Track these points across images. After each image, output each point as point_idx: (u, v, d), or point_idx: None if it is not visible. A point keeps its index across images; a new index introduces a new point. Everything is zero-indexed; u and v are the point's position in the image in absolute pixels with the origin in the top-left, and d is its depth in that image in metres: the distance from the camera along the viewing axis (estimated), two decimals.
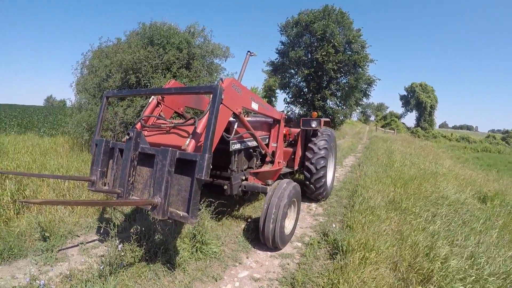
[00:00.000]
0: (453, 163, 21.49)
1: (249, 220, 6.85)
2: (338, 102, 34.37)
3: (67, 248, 5.21)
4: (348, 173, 13.31)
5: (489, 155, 52.37)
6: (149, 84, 11.41)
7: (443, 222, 6.81)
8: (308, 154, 7.95)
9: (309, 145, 8.09)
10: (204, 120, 4.11)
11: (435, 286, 4.37)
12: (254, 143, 6.11)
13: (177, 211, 3.43)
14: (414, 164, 15.18)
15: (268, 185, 5.73)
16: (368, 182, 9.76)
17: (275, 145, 6.93)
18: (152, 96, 5.20)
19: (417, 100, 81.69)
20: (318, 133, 8.29)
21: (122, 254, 4.63)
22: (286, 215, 5.47)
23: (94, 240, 5.53)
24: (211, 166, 3.33)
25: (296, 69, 34.21)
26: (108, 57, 12.27)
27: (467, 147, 61.92)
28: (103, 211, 6.53)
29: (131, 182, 3.76)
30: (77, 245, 5.29)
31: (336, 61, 30.61)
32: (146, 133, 4.81)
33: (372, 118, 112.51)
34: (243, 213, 7.27)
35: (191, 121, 4.48)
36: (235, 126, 5.18)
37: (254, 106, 5.29)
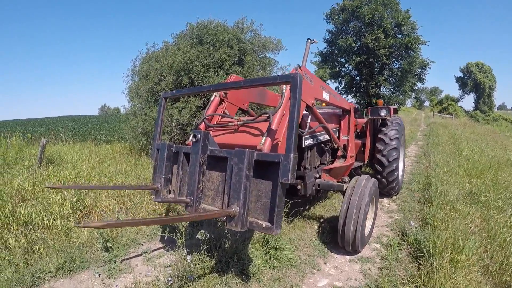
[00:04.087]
0: None
1: (321, 220, 6.40)
2: (392, 89, 33.29)
3: (130, 258, 4.94)
4: (414, 163, 12.59)
5: None
6: (202, 84, 11.18)
7: None
8: (379, 146, 7.40)
9: (379, 135, 7.53)
10: (278, 115, 3.67)
11: None
12: (326, 137, 5.64)
13: (258, 221, 3.01)
14: (484, 151, 14.27)
15: (344, 182, 5.24)
16: (441, 173, 9.10)
17: (346, 138, 6.43)
18: (214, 93, 4.80)
19: (475, 82, 76.62)
20: (388, 122, 7.69)
21: (192, 266, 4.25)
22: (367, 215, 4.97)
23: (158, 248, 5.24)
24: (296, 168, 2.89)
25: (346, 57, 33.30)
26: (158, 60, 12.19)
27: None
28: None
29: (200, 189, 3.37)
30: (141, 254, 5.00)
31: (387, 45, 29.56)
32: (211, 133, 4.37)
33: (427, 103, 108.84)
34: (315, 213, 6.79)
35: (263, 117, 4.00)
36: (308, 120, 4.76)
37: (326, 96, 4.80)
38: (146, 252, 5.02)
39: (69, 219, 5.78)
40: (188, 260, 4.25)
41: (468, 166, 10.28)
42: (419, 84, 35.25)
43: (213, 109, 4.71)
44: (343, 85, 34.98)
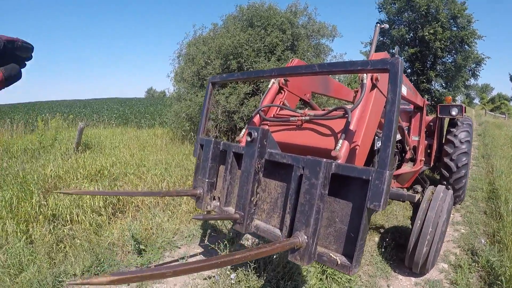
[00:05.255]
0: None
1: (381, 230, 5.77)
2: (443, 84, 31.74)
3: (165, 263, 4.39)
4: (473, 167, 11.63)
5: None
6: (252, 69, 10.61)
7: None
8: (448, 149, 6.63)
9: (448, 137, 6.76)
10: (358, 111, 2.91)
11: None
12: (397, 137, 4.90)
13: (330, 253, 2.26)
14: None
15: (417, 192, 4.50)
16: (508, 182, 8.26)
17: (416, 138, 5.69)
18: (273, 80, 3.98)
19: None
20: (458, 122, 6.88)
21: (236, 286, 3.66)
22: (445, 235, 4.23)
23: (198, 254, 4.68)
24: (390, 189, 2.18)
25: (398, 49, 31.84)
26: (205, 43, 11.72)
27: None
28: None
29: (254, 202, 2.67)
30: (177, 260, 4.45)
31: (444, 39, 28.19)
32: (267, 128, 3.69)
33: (477, 100, 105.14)
34: (374, 221, 6.13)
35: (338, 112, 3.08)
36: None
37: (404, 90, 4.01)
38: (183, 258, 4.48)
39: (101, 213, 5.31)
40: (232, 280, 3.66)
41: None
42: (472, 80, 33.56)
43: (270, 98, 3.91)
44: None
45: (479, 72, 31.73)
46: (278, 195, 2.62)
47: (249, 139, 2.57)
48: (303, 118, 3.34)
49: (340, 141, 2.68)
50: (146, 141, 11.73)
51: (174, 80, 13.23)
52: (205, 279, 3.97)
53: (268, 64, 10.50)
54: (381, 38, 32.73)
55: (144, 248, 4.52)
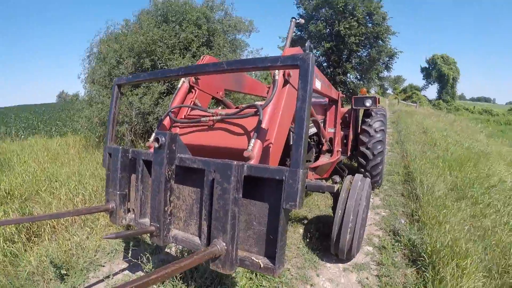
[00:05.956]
0: (486, 138, 20.79)
1: (305, 221, 5.82)
2: (358, 76, 33.32)
3: (90, 286, 4.08)
4: (388, 152, 12.26)
5: None
6: (166, 67, 10.21)
7: None
8: (363, 138, 6.86)
9: (363, 127, 6.99)
10: (270, 109, 2.83)
11: None
12: (312, 130, 4.95)
13: (251, 257, 2.19)
14: (458, 142, 14.32)
15: (335, 182, 4.57)
16: (421, 165, 8.83)
17: (332, 130, 5.81)
18: (182, 79, 3.80)
19: (439, 73, 79.62)
20: (372, 113, 7.15)
21: None
22: (365, 221, 4.36)
23: (123, 270, 4.39)
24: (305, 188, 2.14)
25: (315, 43, 32.76)
26: (118, 41, 11.14)
27: (490, 120, 62.25)
28: (128, 228, 5.37)
29: (168, 212, 2.50)
30: (103, 280, 4.14)
31: (358, 34, 29.52)
32: (178, 131, 3.50)
33: (390, 91, 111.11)
34: (297, 214, 6.14)
35: (250, 110, 2.98)
36: None
37: (318, 84, 4.01)
38: (108, 277, 4.18)
39: (14, 240, 4.81)
40: None
41: (447, 158, 10.14)
42: (385, 73, 35.49)
43: (180, 99, 3.74)
44: None
45: (392, 65, 33.71)
46: (193, 202, 2.49)
47: (156, 145, 2.40)
48: (215, 118, 3.22)
49: (252, 140, 2.61)
50: (58, 152, 10.91)
51: (85, 82, 12.43)
52: None
53: (183, 61, 10.22)
54: (299, 33, 33.68)
55: (66, 272, 4.16)
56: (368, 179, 4.59)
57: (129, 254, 4.46)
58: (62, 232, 5.14)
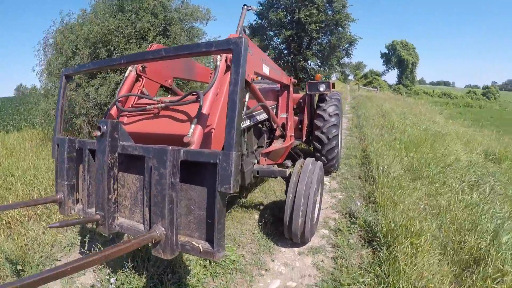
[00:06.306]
0: (445, 120, 21.27)
1: (261, 207, 5.85)
2: (319, 63, 33.62)
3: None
4: (347, 137, 12.56)
5: (471, 110, 55.47)
6: None
7: (474, 189, 6.32)
8: (318, 123, 6.93)
9: (318, 111, 7.06)
10: (211, 94, 2.87)
11: (491, 266, 3.67)
12: (264, 116, 4.98)
13: (193, 242, 2.20)
14: (415, 124, 14.60)
15: (287, 167, 4.64)
16: (378, 148, 9.01)
17: (285, 116, 5.83)
18: (130, 68, 3.77)
19: (399, 58, 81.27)
20: (327, 97, 7.20)
21: None
22: (316, 204, 4.45)
23: None
24: (240, 171, 2.18)
25: (276, 31, 33.09)
26: (73, 31, 10.80)
27: (449, 103, 64.48)
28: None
29: (112, 200, 2.50)
30: None
31: (318, 21, 29.76)
32: (126, 120, 3.49)
33: (351, 77, 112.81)
34: (253, 200, 6.20)
35: (191, 97, 3.03)
36: (246, 99, 3.91)
37: (265, 69, 3.99)
38: None
39: None
40: (113, 285, 3.50)
41: (404, 140, 10.30)
42: (345, 59, 36.02)
43: (127, 87, 3.72)
44: (271, 58, 34.31)
45: (352, 51, 34.35)
46: (138, 189, 2.49)
47: (99, 133, 2.39)
48: (159, 105, 3.24)
49: (192, 126, 2.65)
50: (14, 147, 10.63)
51: (40, 74, 11.88)
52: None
53: (139, 51, 9.94)
54: (260, 21, 33.78)
55: (22, 268, 4.08)
56: (320, 163, 4.66)
57: (85, 247, 4.43)
58: (17, 227, 5.05)
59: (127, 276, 3.64)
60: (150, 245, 2.19)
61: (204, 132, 2.71)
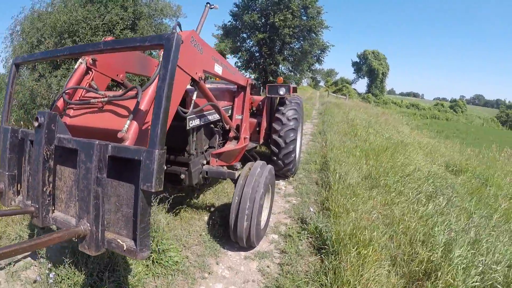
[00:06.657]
0: (410, 130, 21.64)
1: (212, 209, 5.83)
2: (290, 67, 34.04)
3: None
4: (310, 142, 12.61)
5: (437, 121, 56.49)
6: None
7: (431, 200, 6.32)
8: (276, 126, 6.92)
9: (276, 115, 7.05)
10: (151, 90, 2.84)
11: (441, 280, 3.65)
12: (216, 117, 4.97)
13: (118, 239, 2.20)
14: (378, 132, 14.67)
15: (236, 169, 4.67)
16: (338, 154, 8.98)
17: (240, 117, 5.81)
18: (80, 60, 3.69)
19: (369, 67, 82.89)
20: (286, 101, 7.22)
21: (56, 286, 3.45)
22: (263, 208, 4.46)
23: (25, 257, 4.20)
24: (164, 168, 2.18)
25: (249, 33, 33.28)
26: (41, 19, 10.59)
27: (417, 114, 66.11)
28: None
29: (47, 192, 2.47)
30: (4, 267, 3.94)
31: (292, 26, 30.07)
32: (72, 112, 3.42)
33: (322, 83, 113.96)
34: (204, 201, 6.16)
35: (132, 92, 2.98)
36: (194, 97, 3.85)
37: (218, 69, 4.00)
38: (10, 264, 4.00)
39: None
40: (51, 280, 3.45)
41: (365, 147, 10.31)
42: (317, 65, 36.49)
43: (76, 80, 3.61)
44: (242, 60, 34.63)
45: (323, 58, 34.92)
46: (73, 183, 2.48)
47: (36, 124, 2.37)
48: (103, 99, 3.19)
49: (128, 122, 2.62)
50: None
51: (5, 61, 11.81)
52: (32, 284, 3.65)
53: None
54: (234, 22, 33.73)
55: None
56: (270, 166, 4.70)
57: None
58: None
59: (68, 271, 3.58)
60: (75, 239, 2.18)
61: (141, 129, 2.69)
